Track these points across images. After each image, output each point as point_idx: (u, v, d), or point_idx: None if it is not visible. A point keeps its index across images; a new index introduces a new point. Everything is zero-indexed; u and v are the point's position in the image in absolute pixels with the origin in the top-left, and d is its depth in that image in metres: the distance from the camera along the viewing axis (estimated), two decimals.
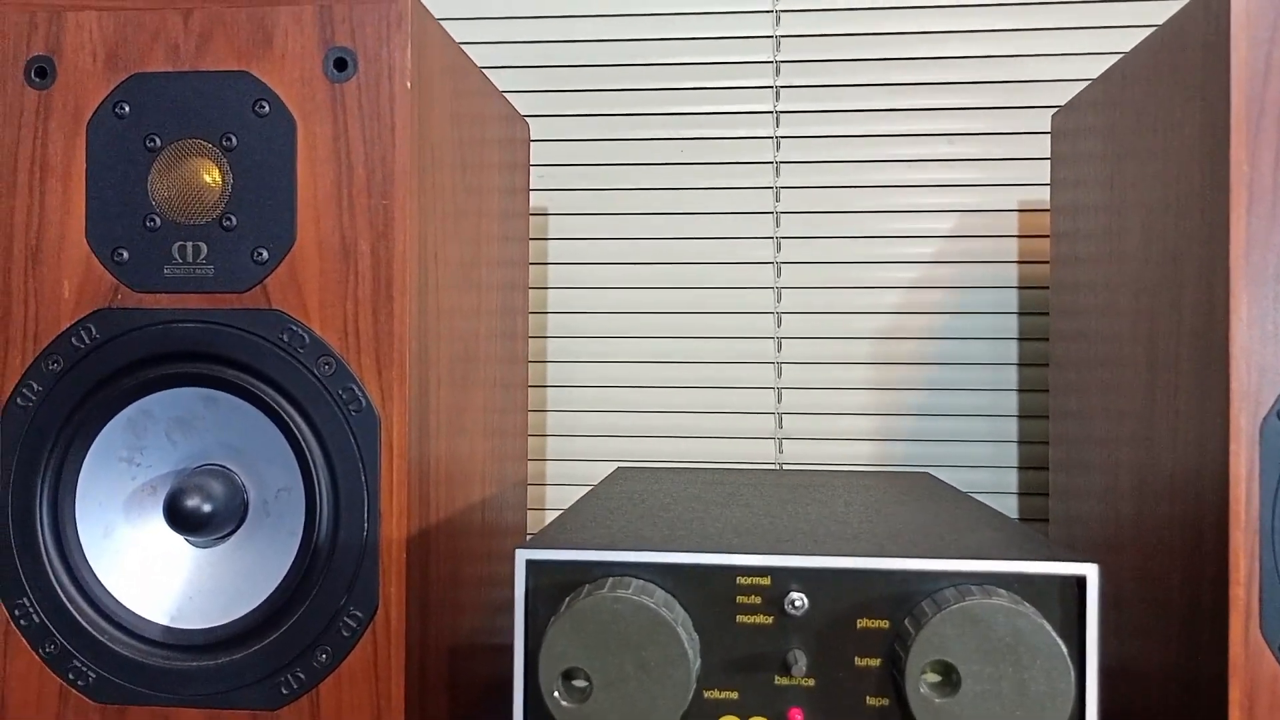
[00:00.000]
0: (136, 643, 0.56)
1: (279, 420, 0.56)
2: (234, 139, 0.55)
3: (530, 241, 0.99)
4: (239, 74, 0.55)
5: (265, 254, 0.55)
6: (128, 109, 0.56)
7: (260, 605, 0.56)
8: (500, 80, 0.99)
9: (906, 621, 0.45)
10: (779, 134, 0.98)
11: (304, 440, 0.55)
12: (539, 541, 0.49)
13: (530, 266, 0.99)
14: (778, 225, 0.98)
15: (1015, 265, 0.96)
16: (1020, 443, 0.95)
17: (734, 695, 0.47)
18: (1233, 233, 0.51)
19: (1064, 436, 0.80)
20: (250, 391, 0.56)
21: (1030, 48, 0.94)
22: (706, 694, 0.47)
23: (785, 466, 0.98)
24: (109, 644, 0.56)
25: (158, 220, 0.56)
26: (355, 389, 0.55)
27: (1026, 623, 0.43)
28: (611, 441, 0.99)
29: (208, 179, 0.56)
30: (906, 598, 0.46)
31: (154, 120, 0.56)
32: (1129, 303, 0.65)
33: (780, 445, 0.99)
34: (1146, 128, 0.62)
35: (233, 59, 0.55)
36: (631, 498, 0.65)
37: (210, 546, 0.58)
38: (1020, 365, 0.95)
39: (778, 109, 0.98)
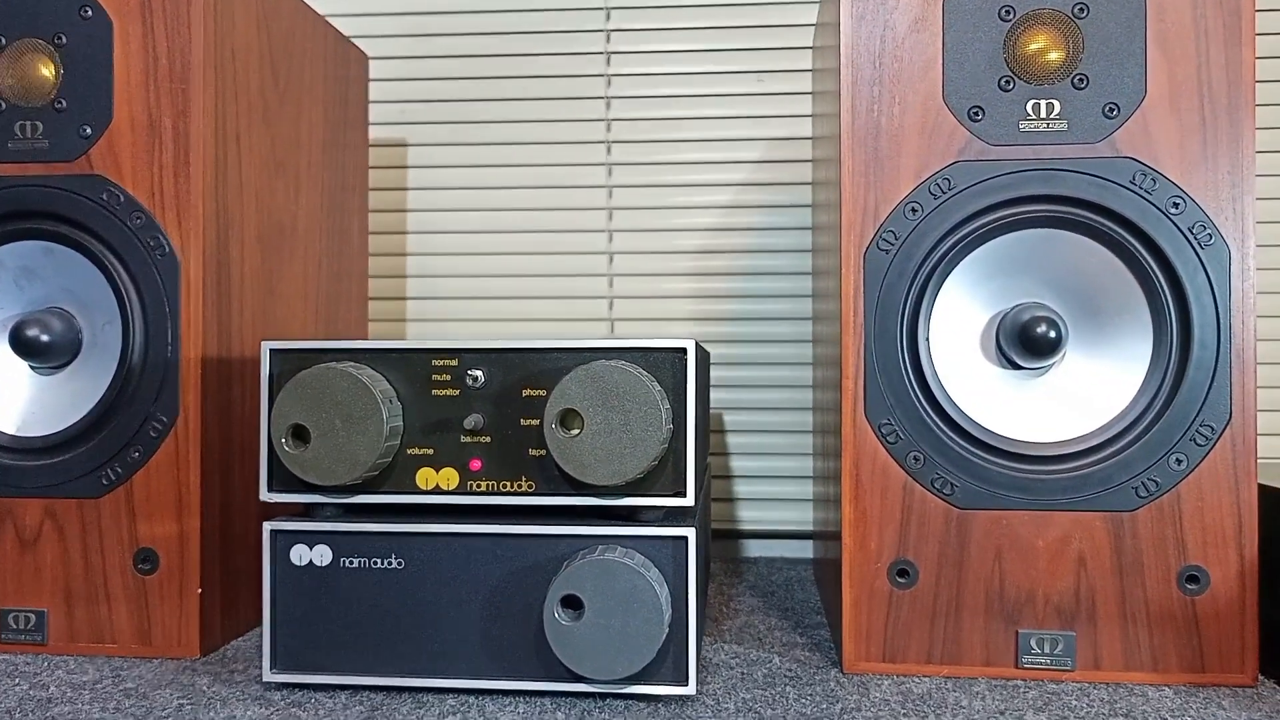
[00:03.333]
0: None
1: (101, 265, 0.69)
2: (64, 38, 0.69)
3: (390, 170, 1.13)
4: None
5: (89, 130, 0.69)
6: None
7: (86, 415, 0.69)
8: (353, 29, 1.12)
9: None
10: (610, 72, 1.11)
11: (121, 281, 0.69)
12: (286, 338, 0.63)
13: (390, 192, 1.13)
14: (609, 153, 1.12)
15: (809, 188, 1.09)
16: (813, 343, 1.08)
17: (430, 451, 0.60)
18: (842, 102, 0.65)
19: (817, 336, 0.93)
20: (79, 243, 0.69)
21: None
22: (408, 450, 0.60)
23: None
24: None
25: (3, 104, 0.69)
26: (160, 238, 0.68)
27: (631, 378, 0.56)
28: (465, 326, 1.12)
29: (44, 71, 0.69)
30: (561, 370, 0.59)
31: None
32: (825, 198, 0.79)
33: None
34: (828, 58, 0.76)
35: None
36: None
37: (52, 374, 0.71)
38: (814, 274, 1.09)
39: (609, 49, 1.11)
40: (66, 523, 0.69)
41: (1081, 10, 0.63)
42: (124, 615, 0.68)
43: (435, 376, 0.60)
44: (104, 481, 0.68)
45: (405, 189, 1.13)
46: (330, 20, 1.11)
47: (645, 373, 0.58)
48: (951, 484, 0.64)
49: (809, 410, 1.07)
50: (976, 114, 0.64)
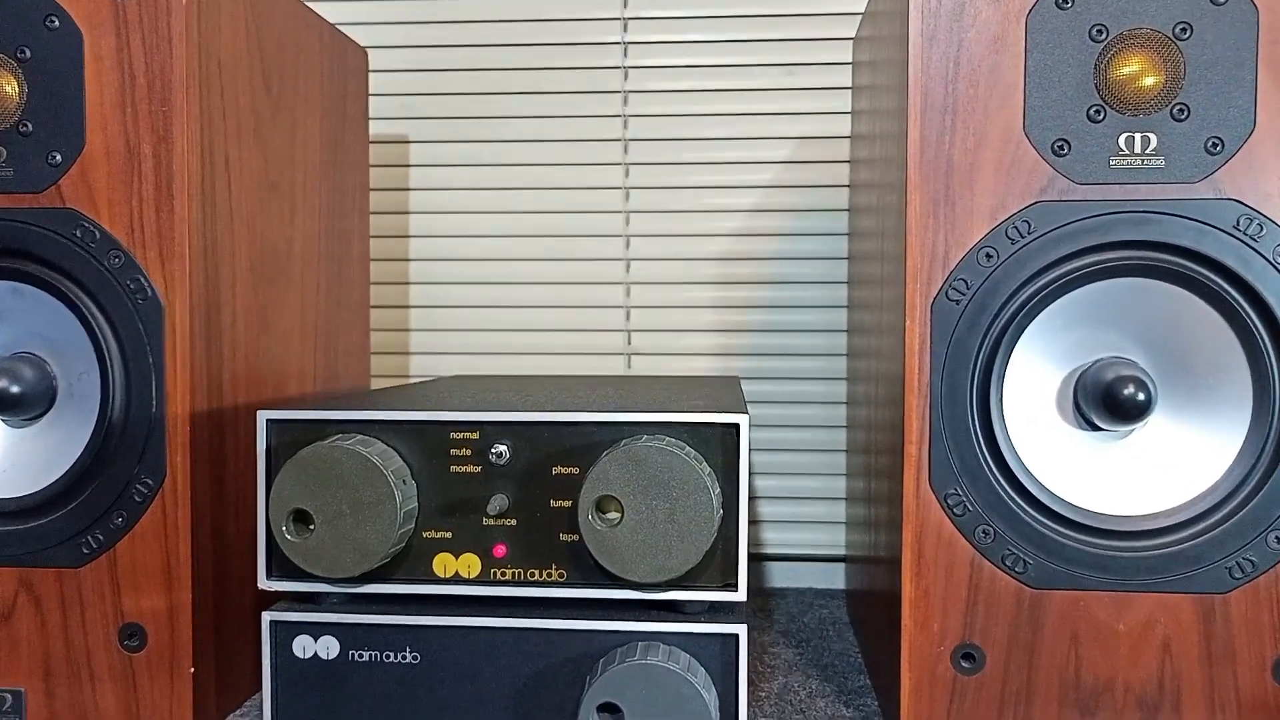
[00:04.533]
0: None
1: (75, 309, 0.62)
2: (27, 51, 0.61)
3: (391, 169, 1.05)
4: None
5: (59, 157, 0.61)
6: None
7: (63, 475, 0.62)
8: (351, 15, 1.03)
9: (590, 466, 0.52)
10: (627, 64, 1.03)
11: (98, 327, 0.61)
12: (285, 404, 0.56)
13: (391, 192, 1.05)
14: (626, 152, 1.04)
15: (846, 190, 1.02)
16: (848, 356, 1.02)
17: (448, 535, 0.54)
18: (909, 133, 0.58)
19: (854, 349, 0.86)
20: (50, 284, 0.62)
21: None
22: (425, 534, 0.54)
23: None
24: None
25: None
26: (142, 280, 0.61)
27: (678, 461, 0.49)
28: (470, 358, 1.06)
29: (6, 88, 0.61)
30: (596, 446, 0.53)
31: None
32: (875, 224, 0.72)
33: (629, 361, 1.05)
34: (882, 62, 0.68)
35: None
36: (421, 385, 0.72)
37: (24, 427, 0.64)
38: (850, 284, 1.02)
39: (625, 40, 1.03)
40: (44, 594, 0.62)
41: (1184, 31, 0.55)
42: (109, 695, 0.62)
43: (454, 451, 0.54)
44: (85, 550, 0.62)
45: (407, 189, 1.05)
46: (327, 5, 1.02)
47: (693, 453, 0.51)
48: (1024, 561, 0.58)
49: (840, 428, 1.01)
50: (1062, 148, 0.56)
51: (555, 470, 0.53)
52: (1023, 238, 0.57)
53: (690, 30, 1.02)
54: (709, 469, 0.51)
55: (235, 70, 0.66)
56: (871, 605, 0.72)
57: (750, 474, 1.04)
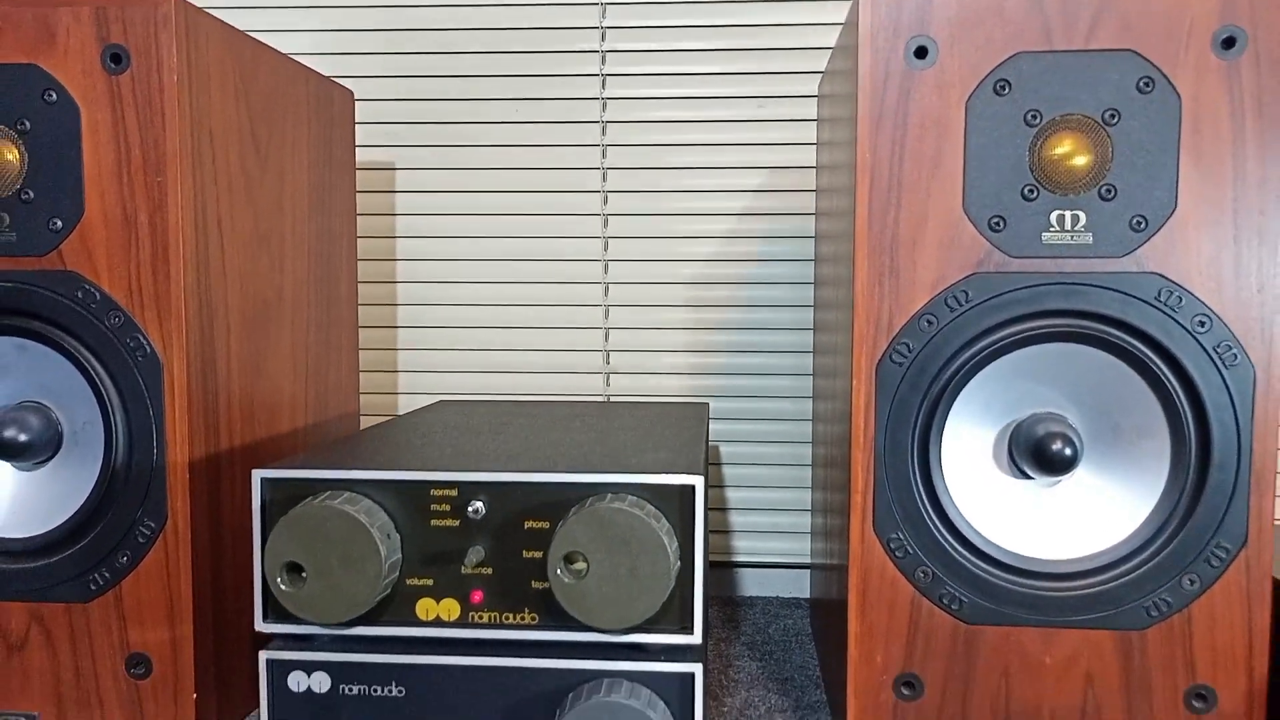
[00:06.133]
0: None
1: (78, 364, 0.66)
2: (27, 123, 0.64)
3: (378, 195, 1.09)
4: (28, 66, 0.64)
5: (60, 223, 0.65)
6: None
7: (71, 517, 0.67)
8: (336, 45, 1.06)
9: (559, 522, 0.57)
10: (605, 96, 1.07)
11: (100, 382, 0.66)
12: (278, 463, 0.60)
13: (378, 217, 1.09)
14: (604, 180, 1.08)
15: (814, 218, 1.06)
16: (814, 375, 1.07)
17: (430, 582, 0.59)
18: (858, 210, 0.62)
19: (818, 369, 0.91)
20: (53, 340, 0.66)
21: (840, 15, 1.03)
22: (408, 581, 0.59)
23: (612, 399, 1.09)
24: None
25: None
26: (140, 338, 0.65)
27: (637, 521, 0.54)
28: (457, 377, 1.10)
29: (8, 157, 0.65)
30: (564, 503, 0.57)
31: None
32: (833, 271, 0.76)
33: (608, 379, 1.10)
34: (841, 97, 0.72)
35: (21, 53, 0.64)
36: (407, 426, 0.76)
37: (32, 470, 0.69)
38: (817, 307, 1.06)
39: (604, 72, 1.06)
40: (55, 627, 0.67)
41: (1113, 117, 0.60)
42: (118, 719, 0.67)
43: (435, 507, 0.58)
44: (92, 586, 0.67)
45: (394, 214, 1.09)
46: (314, 36, 1.05)
47: (653, 510, 0.56)
48: (960, 599, 0.63)
49: (806, 444, 1.06)
50: (998, 224, 0.61)
51: (527, 524, 0.58)
52: (961, 306, 0.61)
53: (666, 63, 1.05)
54: (668, 525, 0.56)
55: (226, 135, 0.70)
56: (828, 619, 0.78)
57: (722, 486, 1.09)
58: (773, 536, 1.09)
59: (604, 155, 1.07)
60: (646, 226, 1.07)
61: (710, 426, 1.06)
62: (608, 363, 1.09)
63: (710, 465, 1.08)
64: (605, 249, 1.08)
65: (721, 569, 1.10)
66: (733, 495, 1.09)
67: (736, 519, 1.09)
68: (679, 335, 1.08)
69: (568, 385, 1.10)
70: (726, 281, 1.07)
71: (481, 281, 1.09)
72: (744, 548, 1.10)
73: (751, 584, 1.11)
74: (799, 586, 1.09)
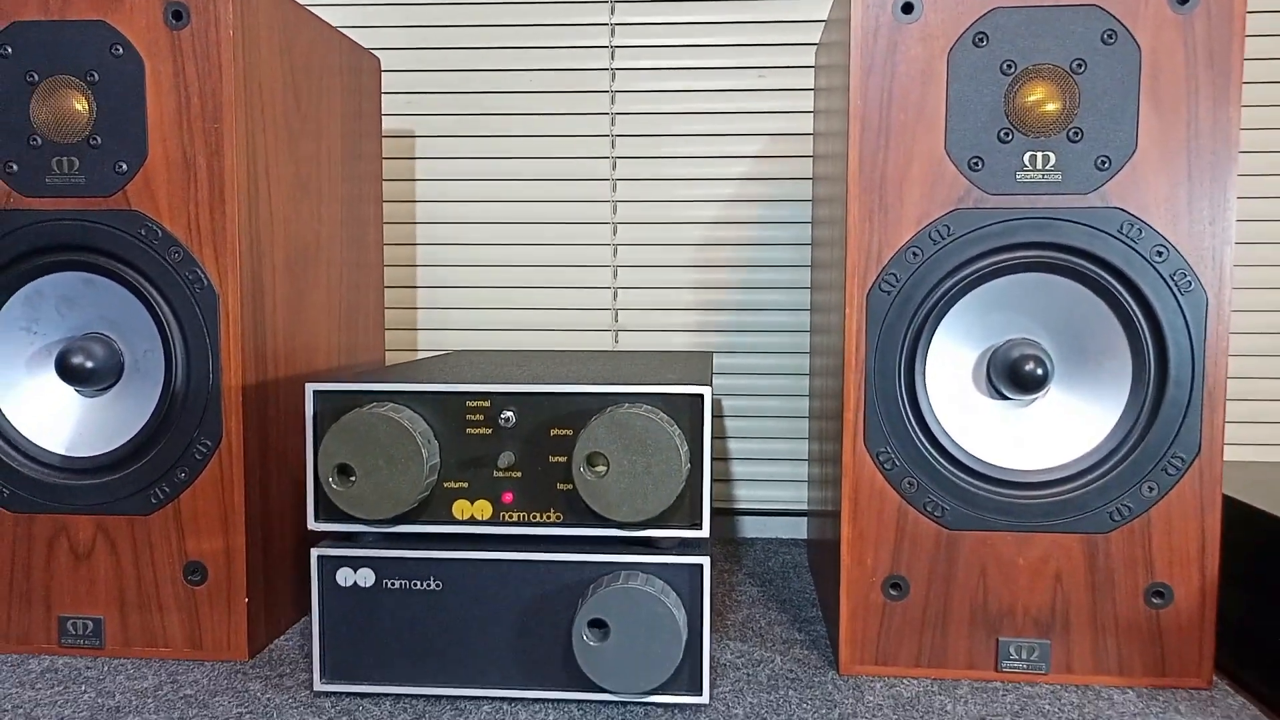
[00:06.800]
0: (40, 468, 0.74)
1: (141, 297, 0.72)
2: (96, 75, 0.71)
3: (399, 161, 1.15)
4: (97, 23, 0.70)
5: (125, 166, 0.71)
6: (10, 50, 0.71)
7: (133, 437, 0.73)
8: (362, 19, 1.13)
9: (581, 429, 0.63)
10: (614, 67, 1.13)
11: (161, 312, 0.72)
12: (327, 379, 0.67)
13: (399, 182, 1.15)
14: (613, 147, 1.14)
15: (810, 182, 1.12)
16: (811, 332, 1.13)
17: (465, 485, 0.65)
18: (850, 152, 0.69)
19: (815, 326, 0.98)
20: (118, 275, 0.72)
21: None
22: (445, 484, 0.65)
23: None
24: (19, 468, 0.74)
25: (39, 140, 0.72)
26: (199, 272, 0.72)
27: (653, 425, 0.61)
28: (472, 334, 1.17)
29: (78, 107, 0.71)
30: (587, 412, 0.64)
31: (31, 60, 0.71)
32: (829, 212, 0.83)
33: (616, 337, 1.16)
34: (836, 87, 0.79)
35: (91, 10, 0.70)
36: (434, 361, 0.83)
37: (96, 396, 0.75)
38: (813, 267, 1.13)
39: (613, 44, 1.13)
40: (118, 538, 0.74)
41: (1080, 65, 0.66)
42: (176, 622, 0.74)
43: (470, 416, 0.65)
44: (153, 500, 0.73)
45: (414, 179, 1.16)
46: (342, 9, 1.12)
47: (666, 417, 0.62)
48: (942, 507, 0.70)
49: (804, 397, 1.13)
50: (976, 164, 0.67)
51: (553, 432, 0.64)
52: (943, 239, 0.68)
53: (672, 36, 1.12)
54: (679, 430, 0.62)
55: (272, 88, 0.76)
56: (823, 550, 0.84)
57: (724, 437, 1.16)
58: (772, 485, 1.16)
59: (613, 124, 1.14)
60: (653, 191, 1.14)
61: (714, 378, 1.13)
62: (616, 320, 1.16)
63: (714, 417, 1.14)
64: (614, 212, 1.15)
65: (723, 515, 1.17)
66: (734, 446, 1.16)
67: (738, 469, 1.16)
68: (684, 294, 1.14)
69: (578, 342, 1.16)
70: (729, 243, 1.14)
71: (496, 243, 1.15)
72: (745, 496, 1.16)
73: (752, 529, 1.17)
74: (795, 530, 1.16)
